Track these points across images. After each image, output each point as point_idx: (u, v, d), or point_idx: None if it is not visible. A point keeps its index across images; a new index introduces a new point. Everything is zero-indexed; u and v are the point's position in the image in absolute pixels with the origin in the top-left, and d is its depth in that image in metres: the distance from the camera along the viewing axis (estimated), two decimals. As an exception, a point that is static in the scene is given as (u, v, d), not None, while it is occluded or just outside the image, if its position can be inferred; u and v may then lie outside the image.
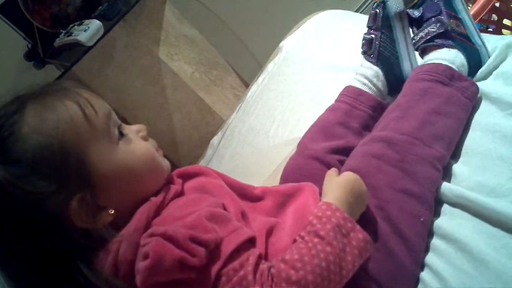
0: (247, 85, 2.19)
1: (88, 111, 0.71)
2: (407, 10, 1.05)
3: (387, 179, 0.81)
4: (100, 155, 0.70)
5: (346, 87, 1.09)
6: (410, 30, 1.08)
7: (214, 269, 0.63)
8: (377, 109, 1.03)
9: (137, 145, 0.77)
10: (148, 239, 0.64)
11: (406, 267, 0.76)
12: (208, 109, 2.17)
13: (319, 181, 0.83)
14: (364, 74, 1.07)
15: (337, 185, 0.77)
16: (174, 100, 2.12)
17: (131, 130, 0.79)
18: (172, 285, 0.64)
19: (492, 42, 1.00)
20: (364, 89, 1.06)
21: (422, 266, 0.78)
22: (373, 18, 1.09)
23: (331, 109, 1.08)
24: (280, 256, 0.66)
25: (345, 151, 0.96)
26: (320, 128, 1.05)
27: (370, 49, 1.08)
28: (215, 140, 1.80)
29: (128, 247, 0.66)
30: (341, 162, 0.95)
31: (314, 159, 0.98)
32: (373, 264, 0.75)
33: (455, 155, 0.87)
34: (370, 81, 1.06)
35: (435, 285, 0.73)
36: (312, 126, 1.07)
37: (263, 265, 0.65)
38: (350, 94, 1.06)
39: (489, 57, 0.96)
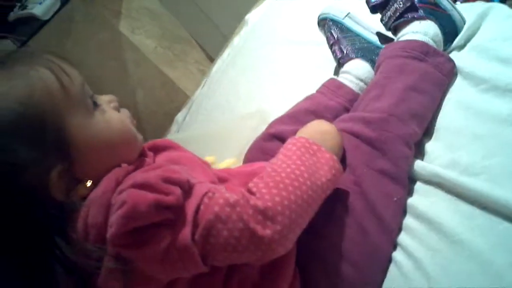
0: (212, 59, 2.15)
1: (63, 78, 0.66)
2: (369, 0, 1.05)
3: (363, 158, 0.79)
4: (77, 125, 0.66)
5: (329, 79, 1.09)
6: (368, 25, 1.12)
7: (191, 208, 0.61)
8: (354, 102, 1.00)
9: (111, 115, 0.73)
10: (119, 195, 0.61)
11: (379, 246, 0.75)
12: (172, 85, 2.13)
13: None
14: (346, 71, 1.08)
15: (299, 131, 0.77)
16: (137, 75, 2.07)
17: (103, 100, 0.75)
18: (151, 230, 0.60)
19: (471, 9, 0.97)
20: (345, 83, 1.06)
21: (395, 246, 0.76)
22: (330, 37, 1.13)
23: (307, 98, 1.08)
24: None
25: None
26: (290, 114, 1.05)
27: (343, 53, 1.09)
28: (179, 116, 1.75)
29: (98, 210, 0.62)
30: None
31: (276, 138, 0.97)
32: (345, 241, 0.73)
33: (428, 132, 0.85)
34: (350, 74, 1.06)
35: (408, 265, 0.72)
36: (284, 112, 1.06)
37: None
38: (330, 86, 1.07)
39: (463, 21, 0.94)
